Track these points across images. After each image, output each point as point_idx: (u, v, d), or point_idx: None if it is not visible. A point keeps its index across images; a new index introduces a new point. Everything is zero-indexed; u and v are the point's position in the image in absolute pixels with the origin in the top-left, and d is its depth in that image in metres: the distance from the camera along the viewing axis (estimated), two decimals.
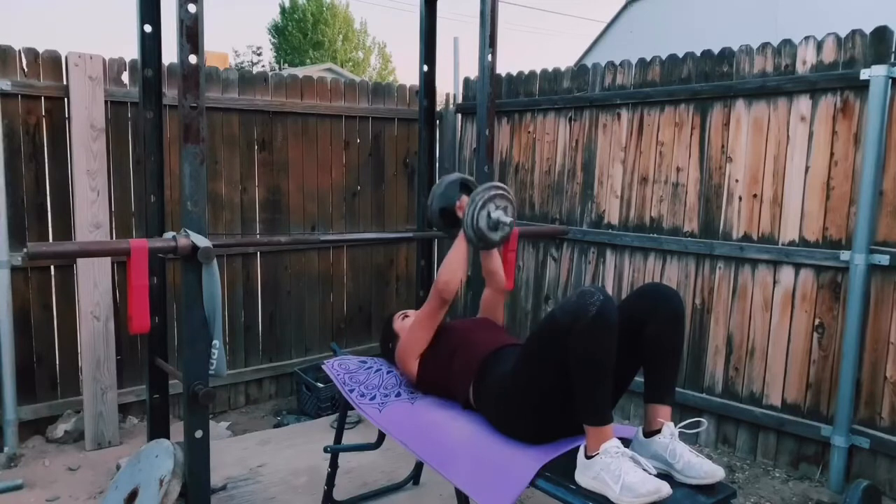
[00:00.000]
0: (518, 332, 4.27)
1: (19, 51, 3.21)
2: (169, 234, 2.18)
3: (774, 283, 3.26)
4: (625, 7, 15.49)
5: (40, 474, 3.11)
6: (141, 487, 2.32)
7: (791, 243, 3.19)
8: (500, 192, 2.32)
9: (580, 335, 1.80)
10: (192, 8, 2.06)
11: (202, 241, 2.09)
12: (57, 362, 3.45)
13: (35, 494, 2.94)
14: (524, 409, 2.01)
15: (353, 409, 2.43)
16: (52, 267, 3.39)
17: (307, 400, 3.91)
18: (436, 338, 2.39)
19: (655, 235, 3.67)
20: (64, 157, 3.36)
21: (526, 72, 4.30)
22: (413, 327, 2.40)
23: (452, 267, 2.32)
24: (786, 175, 3.19)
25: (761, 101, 3.25)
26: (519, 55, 55.00)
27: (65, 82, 3.28)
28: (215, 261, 2.14)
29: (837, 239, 3.05)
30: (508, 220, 2.31)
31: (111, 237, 3.42)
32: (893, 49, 2.88)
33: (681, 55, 3.53)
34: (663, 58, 3.61)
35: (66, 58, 3.27)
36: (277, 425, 3.80)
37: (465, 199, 2.52)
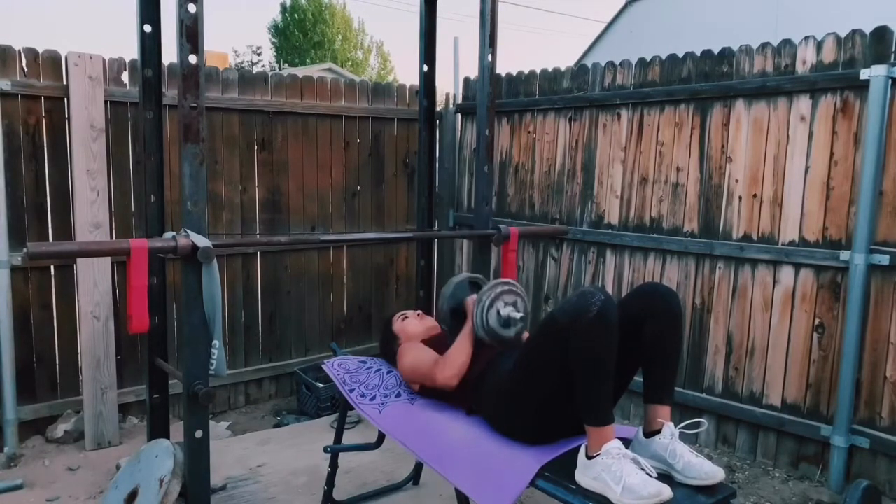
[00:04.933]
0: None
1: (19, 51, 3.21)
2: (169, 234, 2.18)
3: (774, 283, 3.26)
4: (625, 7, 15.51)
5: (40, 474, 3.11)
6: (141, 487, 2.32)
7: (791, 243, 3.19)
8: (507, 287, 2.26)
9: (581, 335, 1.80)
10: (192, 8, 2.06)
11: (202, 241, 2.09)
12: (57, 362, 3.45)
13: (35, 494, 2.94)
14: (524, 409, 2.01)
15: (353, 409, 2.43)
16: (51, 267, 3.39)
17: (307, 400, 3.91)
18: (437, 344, 2.40)
19: (655, 235, 3.67)
20: (64, 157, 3.36)
21: (526, 72, 4.30)
22: (416, 372, 2.35)
23: (457, 360, 2.23)
24: (786, 175, 3.19)
25: (761, 101, 3.25)
26: (519, 55, 55.02)
27: (65, 82, 3.28)
28: (215, 261, 2.14)
29: (837, 239, 3.05)
30: (520, 314, 2.24)
31: (111, 237, 3.42)
32: (893, 49, 2.88)
33: (681, 55, 3.53)
34: (663, 58, 3.60)
35: (66, 58, 3.27)
36: (277, 425, 3.80)
37: (474, 297, 2.44)
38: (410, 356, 2.39)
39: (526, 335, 2.43)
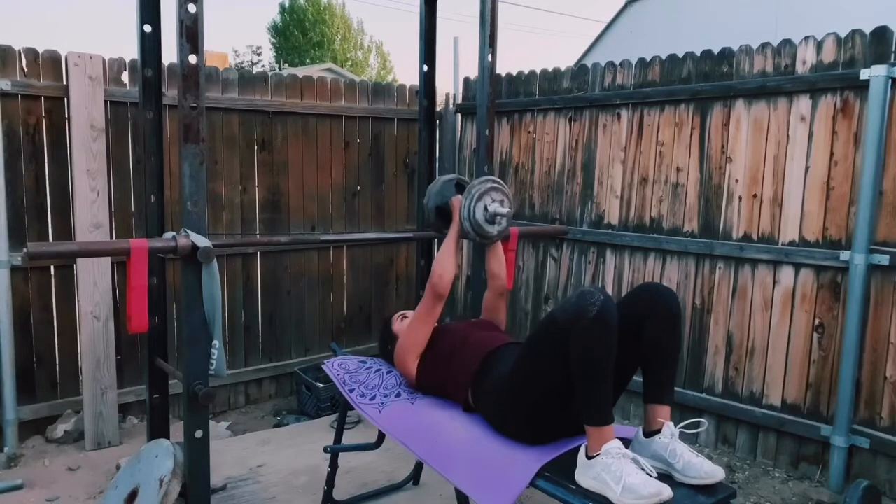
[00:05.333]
0: (518, 333, 4.27)
1: (19, 51, 3.21)
2: (169, 234, 2.18)
3: (774, 283, 3.26)
4: (625, 7, 15.49)
5: (40, 474, 3.11)
6: (141, 487, 2.32)
7: (791, 243, 3.19)
8: (496, 185, 2.31)
9: (581, 335, 1.80)
10: (192, 8, 2.06)
11: (202, 241, 2.09)
12: (57, 362, 3.45)
13: (35, 494, 2.94)
14: (523, 409, 2.01)
15: (353, 409, 2.43)
16: (51, 267, 3.39)
17: (307, 400, 3.91)
18: (434, 339, 2.38)
19: (655, 235, 3.67)
20: (64, 157, 3.36)
21: (526, 72, 4.30)
22: (411, 325, 2.39)
23: (444, 259, 2.32)
24: (786, 175, 3.19)
25: (761, 101, 3.25)
26: (519, 55, 55.01)
27: (65, 82, 3.28)
28: (215, 261, 2.14)
29: (837, 239, 3.05)
30: (506, 210, 2.28)
31: (111, 237, 3.42)
32: (893, 49, 2.88)
33: (681, 55, 3.53)
34: (663, 58, 3.61)
35: (66, 58, 3.27)
36: (277, 425, 3.80)
37: (459, 196, 2.48)
38: (402, 333, 2.44)
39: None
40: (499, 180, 2.35)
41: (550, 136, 4.15)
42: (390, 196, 4.57)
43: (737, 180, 3.36)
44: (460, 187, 2.62)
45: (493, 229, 2.31)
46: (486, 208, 2.27)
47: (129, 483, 2.39)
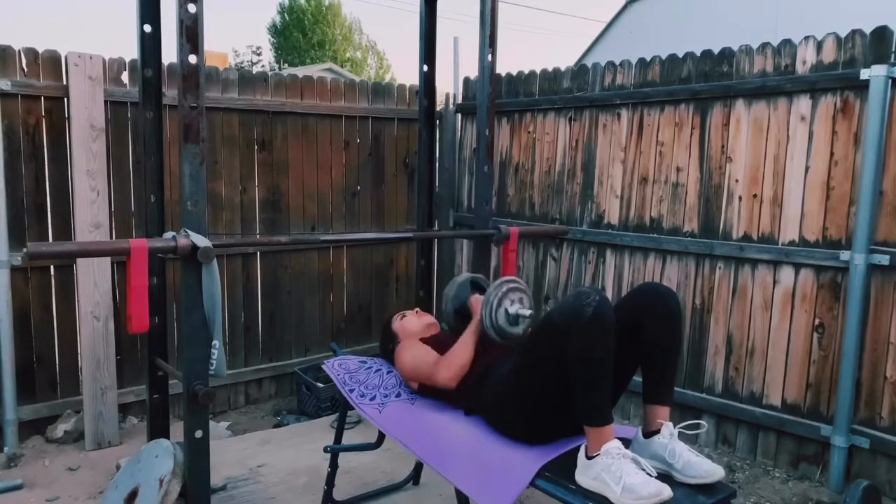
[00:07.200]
0: None
1: (19, 51, 3.21)
2: (169, 234, 2.18)
3: (774, 283, 3.26)
4: (625, 7, 15.50)
5: (40, 474, 3.11)
6: (141, 487, 2.32)
7: (791, 243, 3.19)
8: (512, 285, 2.28)
9: (578, 336, 1.80)
10: (192, 8, 2.06)
11: (202, 241, 2.09)
12: (57, 362, 3.45)
13: (35, 494, 2.94)
14: (522, 410, 2.01)
15: (353, 409, 2.43)
16: (51, 267, 3.39)
17: (307, 400, 3.91)
18: (437, 348, 2.39)
19: (655, 235, 3.67)
20: (64, 157, 3.36)
21: (526, 72, 4.30)
22: (416, 371, 2.36)
23: (466, 355, 2.25)
24: (786, 175, 3.19)
25: (761, 101, 3.25)
26: (519, 55, 55.00)
27: (65, 82, 3.28)
28: (215, 261, 2.14)
29: (837, 239, 3.05)
30: (528, 312, 2.25)
31: (111, 237, 3.42)
32: (893, 49, 2.88)
33: (681, 55, 3.53)
34: (663, 58, 3.60)
35: (66, 58, 3.27)
36: (277, 425, 3.80)
37: (477, 296, 2.48)
38: (409, 354, 2.39)
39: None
40: (515, 279, 2.32)
41: (550, 136, 4.15)
42: (390, 196, 4.57)
43: (737, 180, 3.36)
44: (476, 286, 2.63)
45: (518, 329, 2.28)
46: (507, 311, 2.25)
47: (129, 483, 2.39)
